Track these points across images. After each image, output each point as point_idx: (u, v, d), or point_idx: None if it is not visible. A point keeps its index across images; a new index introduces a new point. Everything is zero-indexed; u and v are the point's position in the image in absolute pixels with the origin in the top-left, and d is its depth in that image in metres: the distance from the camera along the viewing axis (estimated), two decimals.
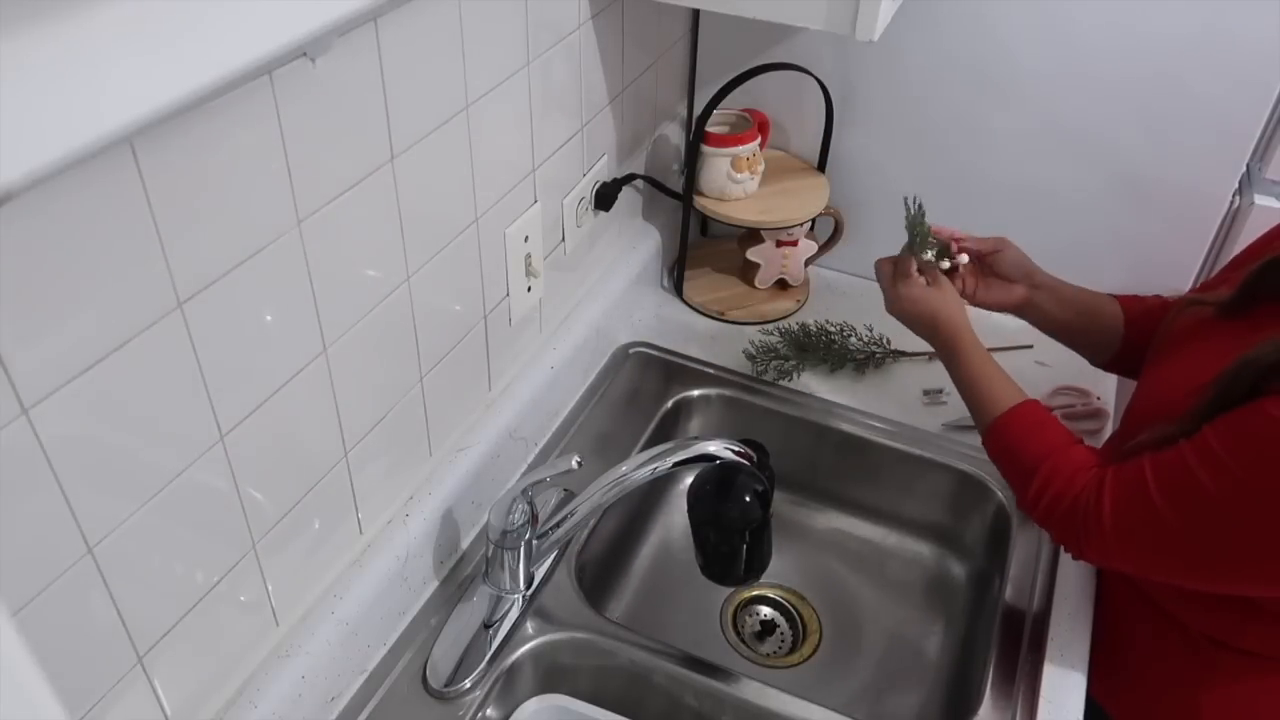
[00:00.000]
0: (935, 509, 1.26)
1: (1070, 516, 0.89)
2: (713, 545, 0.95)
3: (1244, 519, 0.77)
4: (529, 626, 0.99)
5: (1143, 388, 0.99)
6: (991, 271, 1.11)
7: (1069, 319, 1.10)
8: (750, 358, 1.33)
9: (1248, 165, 1.25)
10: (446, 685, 0.93)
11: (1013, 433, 0.95)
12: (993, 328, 1.39)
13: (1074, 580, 1.07)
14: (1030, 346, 1.35)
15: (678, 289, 1.45)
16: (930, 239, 1.07)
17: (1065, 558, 1.09)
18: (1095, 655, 1.01)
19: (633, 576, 1.25)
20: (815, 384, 1.30)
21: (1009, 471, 0.97)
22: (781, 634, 1.20)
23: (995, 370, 1.00)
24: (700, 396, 1.31)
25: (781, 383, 1.30)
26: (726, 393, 1.30)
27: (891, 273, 1.08)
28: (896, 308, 1.07)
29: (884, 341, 1.33)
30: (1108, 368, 1.13)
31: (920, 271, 1.07)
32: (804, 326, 1.36)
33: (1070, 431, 0.94)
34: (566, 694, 0.95)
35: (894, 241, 1.37)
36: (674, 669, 0.97)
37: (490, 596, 0.99)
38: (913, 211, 1.07)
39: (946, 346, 1.03)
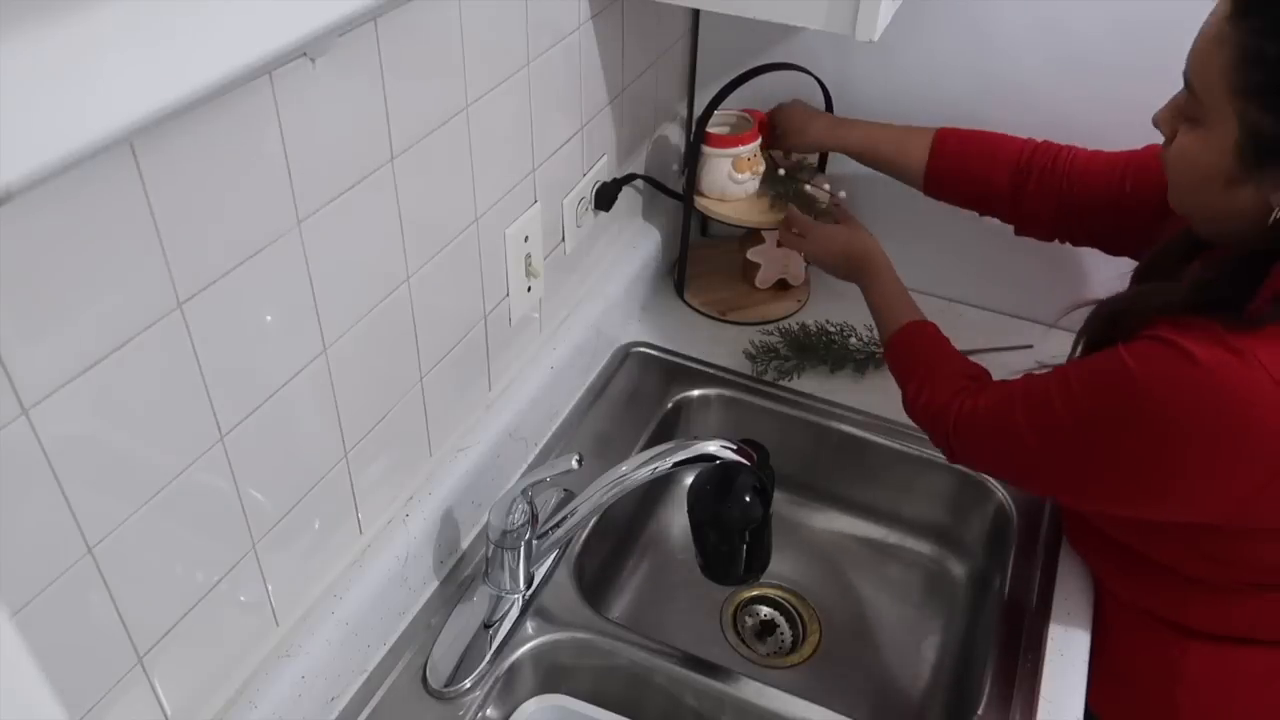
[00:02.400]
0: (935, 509, 1.26)
1: (943, 419, 0.96)
2: (713, 545, 0.95)
3: (1085, 447, 0.85)
4: (529, 626, 0.99)
5: None
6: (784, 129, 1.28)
7: (867, 161, 1.24)
8: (750, 358, 1.33)
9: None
10: (446, 685, 0.93)
11: (906, 341, 1.05)
12: (995, 329, 1.39)
13: (1074, 580, 1.07)
14: (1030, 346, 1.36)
15: (678, 289, 1.45)
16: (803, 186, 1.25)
17: (1065, 557, 1.09)
18: (1093, 661, 1.01)
19: (633, 576, 1.25)
20: (815, 384, 1.30)
21: (899, 373, 1.05)
22: (781, 634, 1.20)
23: (903, 293, 1.10)
24: (700, 396, 1.31)
25: (782, 383, 1.30)
26: (726, 393, 1.30)
27: (792, 225, 1.22)
28: (814, 249, 1.19)
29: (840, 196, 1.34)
30: (926, 192, 1.21)
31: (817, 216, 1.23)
32: (804, 327, 1.36)
33: (958, 352, 1.03)
34: (566, 694, 0.95)
35: (894, 241, 1.37)
36: (674, 669, 0.97)
37: (490, 596, 0.99)
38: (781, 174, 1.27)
39: (861, 271, 1.13)
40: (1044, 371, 0.91)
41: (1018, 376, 0.94)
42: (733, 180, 1.32)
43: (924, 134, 1.18)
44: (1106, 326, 0.88)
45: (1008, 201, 1.14)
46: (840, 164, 1.40)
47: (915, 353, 1.04)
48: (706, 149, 1.30)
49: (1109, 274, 1.32)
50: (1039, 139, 1.14)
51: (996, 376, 1.30)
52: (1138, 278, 0.98)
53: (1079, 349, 0.94)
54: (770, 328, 1.38)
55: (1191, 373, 0.76)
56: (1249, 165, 0.77)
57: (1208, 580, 0.92)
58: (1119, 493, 0.87)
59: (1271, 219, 0.77)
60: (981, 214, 1.19)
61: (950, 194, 1.19)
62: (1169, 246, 0.94)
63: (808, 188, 1.30)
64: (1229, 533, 0.86)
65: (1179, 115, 0.84)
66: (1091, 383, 0.84)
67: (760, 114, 1.36)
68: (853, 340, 1.34)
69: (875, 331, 1.33)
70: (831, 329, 1.35)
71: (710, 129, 1.30)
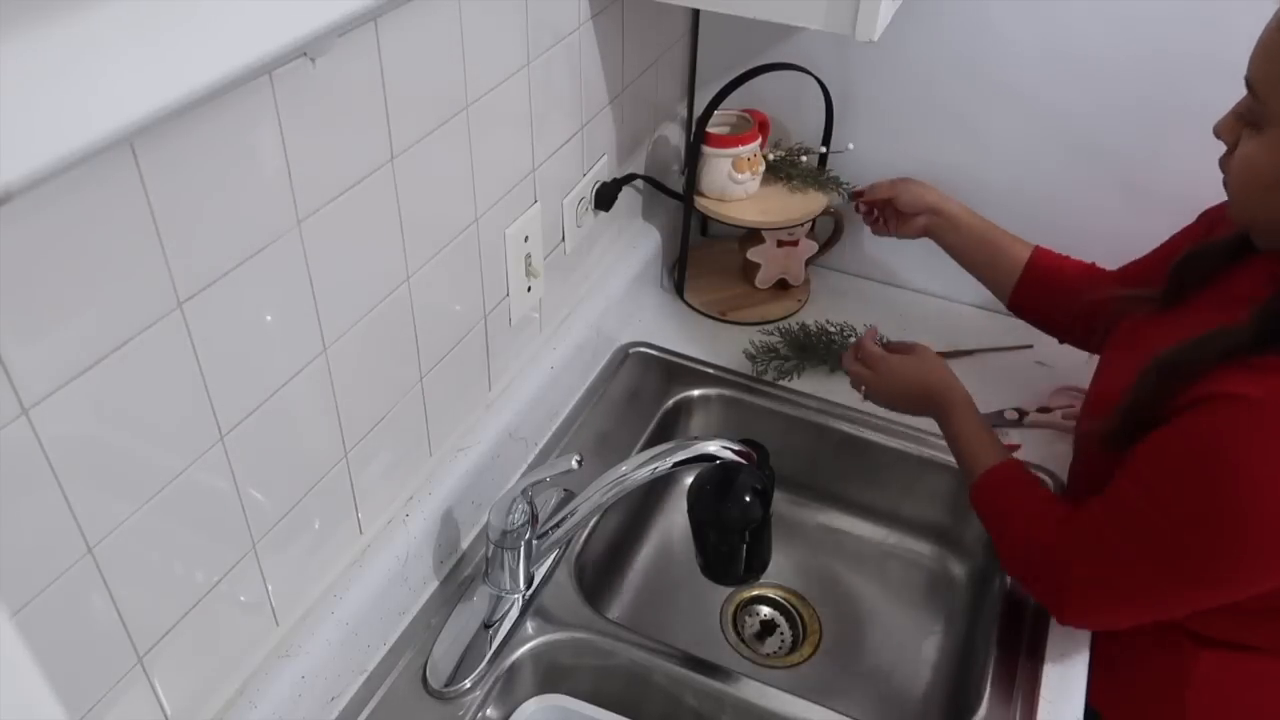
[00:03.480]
0: (935, 509, 1.26)
1: (1044, 575, 0.92)
2: (713, 545, 0.95)
3: (1172, 540, 0.80)
4: (529, 626, 0.99)
5: (1095, 383, 1.03)
6: (894, 209, 1.22)
7: (968, 249, 1.19)
8: (750, 358, 1.33)
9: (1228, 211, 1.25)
10: (446, 685, 0.93)
11: (995, 487, 0.98)
12: (995, 329, 1.39)
13: None
14: (1030, 346, 1.35)
15: (678, 289, 1.45)
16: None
17: None
18: (1094, 660, 1.01)
19: (633, 576, 1.25)
20: (815, 384, 1.30)
21: (990, 521, 0.99)
22: (781, 634, 1.20)
23: (982, 428, 1.03)
24: (700, 396, 1.31)
25: (782, 383, 1.30)
26: (726, 393, 1.30)
27: (859, 358, 1.14)
28: (882, 386, 1.11)
29: (883, 342, 1.33)
30: (1012, 307, 1.20)
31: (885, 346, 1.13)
32: (804, 327, 1.36)
33: (1049, 491, 0.96)
34: (566, 694, 0.95)
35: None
36: (674, 669, 0.97)
37: (490, 596, 0.99)
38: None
39: (939, 406, 1.05)
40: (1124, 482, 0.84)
41: (1080, 511, 0.88)
42: (733, 180, 1.32)
43: (1024, 246, 1.17)
44: (1166, 378, 0.82)
45: (1084, 331, 1.12)
46: (841, 164, 1.40)
47: (1001, 503, 0.97)
48: (706, 149, 1.31)
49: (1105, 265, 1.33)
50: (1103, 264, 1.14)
51: (996, 377, 1.31)
52: (1172, 285, 0.94)
53: (1128, 404, 0.85)
54: (770, 328, 1.38)
55: None
56: None
57: (1247, 608, 0.88)
58: (1199, 580, 0.81)
59: None
60: (1060, 341, 1.19)
61: (1032, 312, 1.18)
62: (1207, 250, 0.92)
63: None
64: None
65: (1240, 122, 0.82)
66: (1177, 468, 0.78)
67: (761, 114, 1.36)
68: (852, 339, 1.34)
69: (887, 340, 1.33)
70: (832, 329, 1.35)
71: (710, 129, 1.30)
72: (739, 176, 1.32)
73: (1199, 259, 0.92)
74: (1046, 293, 1.15)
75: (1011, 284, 1.17)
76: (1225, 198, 0.87)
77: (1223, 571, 0.80)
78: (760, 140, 1.33)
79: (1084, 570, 0.88)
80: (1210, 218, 1.02)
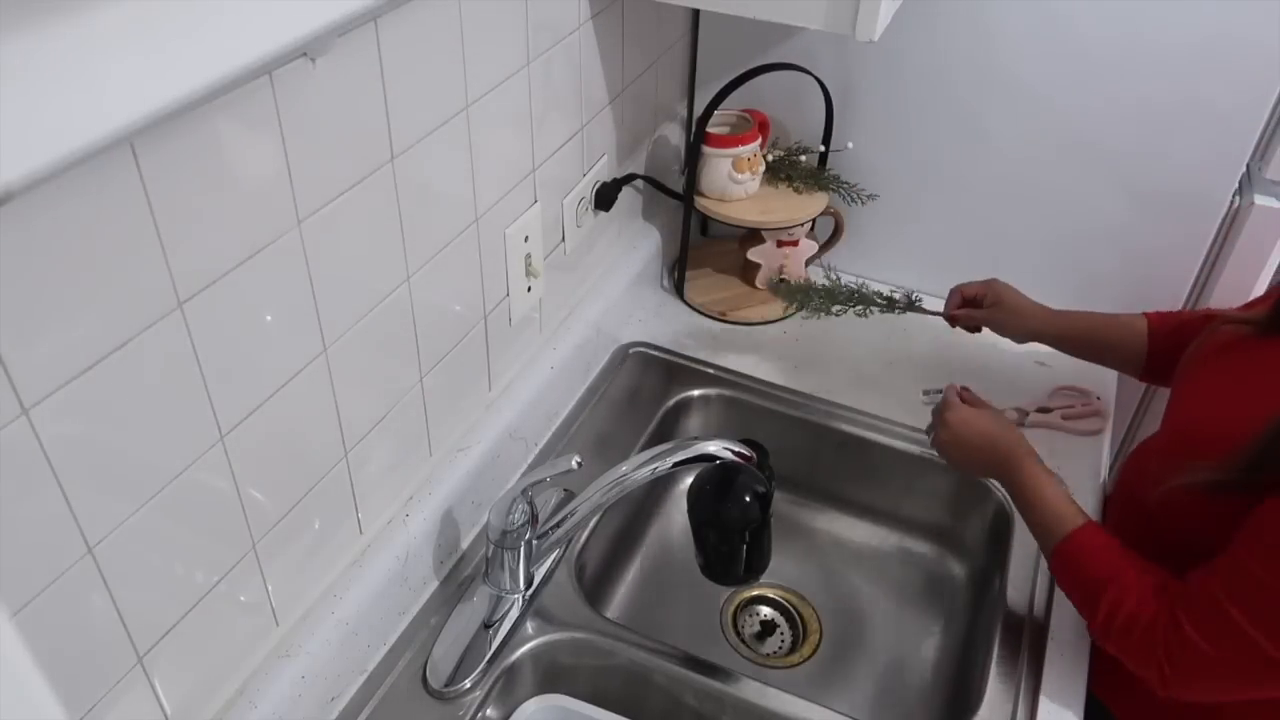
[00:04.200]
0: (935, 509, 1.26)
1: (1149, 648, 0.86)
2: (713, 545, 0.95)
3: None
4: (529, 626, 0.99)
5: (1179, 406, 0.99)
6: (997, 304, 1.19)
7: (1081, 349, 1.17)
8: (778, 292, 1.32)
9: (1248, 165, 1.25)
10: (446, 685, 0.93)
11: (1077, 553, 0.92)
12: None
13: None
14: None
15: (678, 289, 1.45)
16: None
17: None
18: (1096, 652, 1.01)
19: (633, 576, 1.25)
20: (815, 384, 1.30)
21: (1075, 596, 0.94)
22: (781, 634, 1.20)
23: (1057, 491, 0.97)
24: (700, 396, 1.31)
25: (781, 383, 1.30)
26: (726, 393, 1.30)
27: (943, 405, 1.08)
28: (954, 435, 1.05)
29: (910, 296, 1.31)
30: (1144, 380, 1.16)
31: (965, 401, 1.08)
32: (829, 277, 1.35)
33: (1132, 552, 0.91)
34: (566, 694, 0.95)
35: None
36: (674, 669, 0.97)
37: (490, 596, 0.99)
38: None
39: (1007, 464, 1.00)
40: (1239, 551, 0.81)
41: (1199, 576, 0.83)
42: (733, 180, 1.32)
43: (1136, 319, 1.13)
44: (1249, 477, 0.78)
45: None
46: (841, 164, 1.40)
47: (1091, 571, 0.91)
48: (706, 149, 1.31)
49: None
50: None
51: (995, 377, 1.30)
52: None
53: (1256, 453, 0.81)
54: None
55: None
56: None
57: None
58: None
59: None
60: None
61: (1165, 377, 1.10)
62: None
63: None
64: None
65: None
66: None
67: (761, 114, 1.36)
68: (879, 292, 1.31)
69: (898, 292, 1.30)
70: (855, 283, 1.33)
71: (710, 129, 1.30)
72: (739, 176, 1.32)
73: None
74: (1177, 354, 1.06)
75: (1141, 362, 1.12)
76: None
77: None
78: (760, 140, 1.33)
79: (1201, 647, 0.82)
80: None
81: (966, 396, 1.09)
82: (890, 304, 1.30)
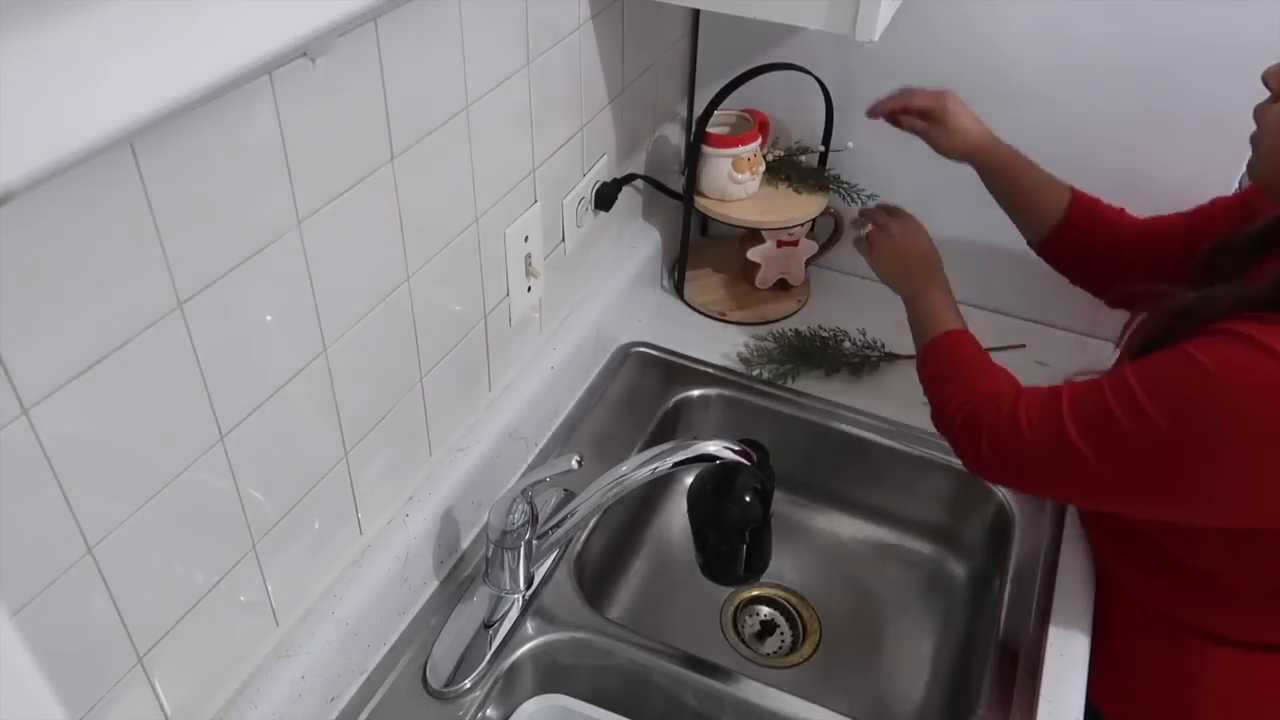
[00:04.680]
0: (935, 509, 1.26)
1: (976, 424, 0.91)
2: (713, 545, 0.95)
3: (1154, 456, 0.79)
4: (529, 626, 0.99)
5: None
6: (940, 123, 1.15)
7: (1002, 184, 1.14)
8: (745, 361, 1.32)
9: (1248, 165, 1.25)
10: (446, 685, 0.93)
11: (948, 348, 1.00)
12: (995, 329, 1.39)
13: (1074, 580, 1.07)
14: (1023, 346, 1.36)
15: (678, 289, 1.45)
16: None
17: (1066, 556, 1.09)
18: (1095, 657, 1.01)
19: (633, 576, 1.25)
20: (815, 385, 1.30)
21: (932, 379, 1.00)
22: (781, 634, 1.20)
23: (954, 310, 1.04)
24: (700, 396, 1.31)
25: (781, 383, 1.30)
26: (726, 393, 1.30)
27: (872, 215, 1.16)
28: (892, 244, 1.12)
29: (878, 345, 1.33)
30: (1040, 250, 1.15)
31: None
32: (798, 332, 1.36)
33: (998, 365, 0.97)
34: (566, 694, 0.95)
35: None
36: (674, 669, 0.97)
37: (490, 596, 0.99)
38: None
39: (925, 279, 1.07)
40: (1086, 378, 0.85)
41: (1051, 385, 0.88)
42: (733, 180, 1.32)
43: (1062, 188, 1.13)
44: (1172, 325, 0.82)
45: (1104, 281, 1.11)
46: (841, 164, 1.40)
47: (953, 359, 0.98)
48: (706, 149, 1.31)
49: None
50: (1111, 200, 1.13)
51: None
52: (1200, 272, 0.93)
53: (1127, 350, 0.88)
54: (764, 332, 1.37)
55: (1276, 372, 0.72)
56: None
57: (1246, 588, 0.89)
58: (1178, 498, 0.81)
59: None
60: (1074, 282, 1.16)
61: (1064, 257, 1.14)
62: (1239, 241, 0.90)
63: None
64: (1269, 535, 0.83)
65: None
66: (1158, 383, 0.78)
67: (761, 114, 1.36)
68: (846, 344, 1.33)
69: (868, 335, 1.33)
70: (825, 333, 1.35)
71: (710, 129, 1.30)
72: (739, 177, 1.32)
73: (1228, 250, 0.90)
74: (1079, 241, 1.11)
75: (1046, 228, 1.12)
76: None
77: (1174, 485, 0.80)
78: (760, 140, 1.33)
79: (1025, 434, 0.86)
80: (1249, 201, 0.99)
81: (897, 213, 1.16)
82: (863, 361, 1.31)
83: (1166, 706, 0.98)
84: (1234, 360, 0.74)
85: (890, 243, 1.12)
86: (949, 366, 0.98)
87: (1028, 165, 1.13)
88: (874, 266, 1.14)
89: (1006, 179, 1.13)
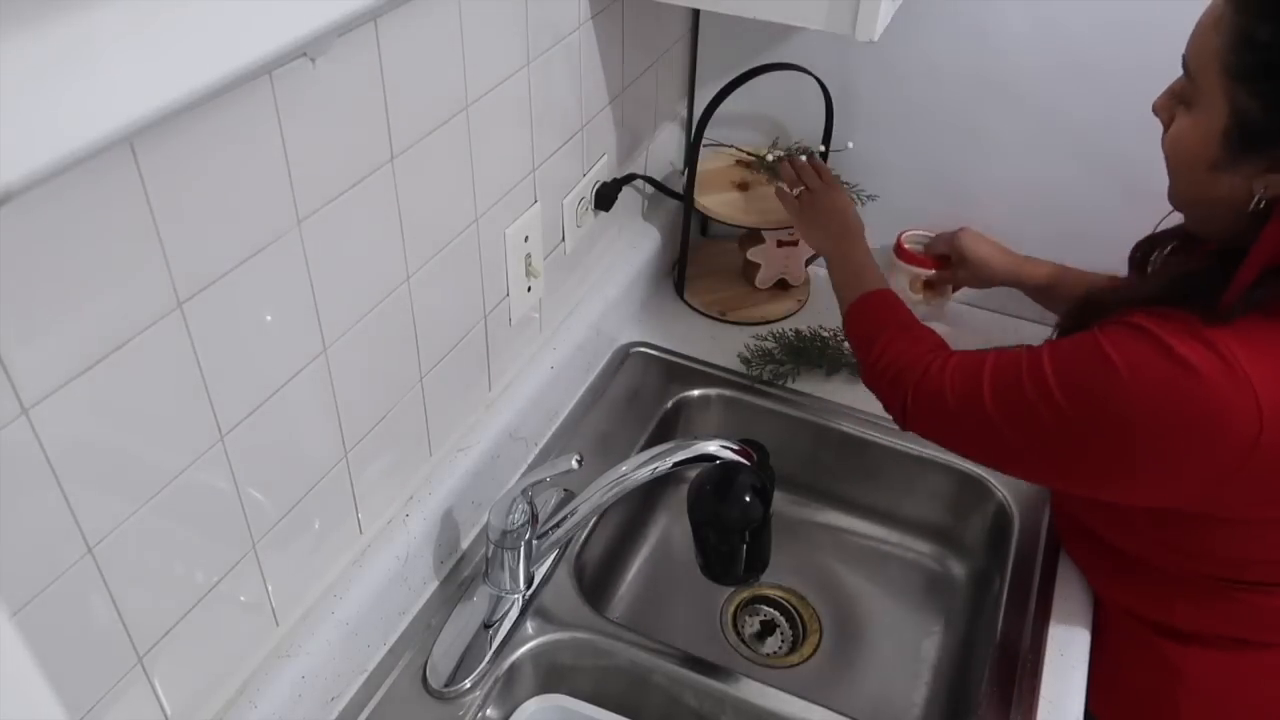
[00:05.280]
0: (935, 509, 1.26)
1: (903, 383, 0.95)
2: (713, 545, 0.95)
3: (1052, 430, 0.84)
4: (529, 626, 0.99)
5: None
6: (961, 264, 1.24)
7: (1043, 300, 1.19)
8: (745, 361, 1.33)
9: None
10: (446, 685, 0.93)
11: (874, 306, 1.05)
12: (995, 328, 1.39)
13: (1074, 580, 1.07)
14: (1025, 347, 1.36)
15: (678, 289, 1.45)
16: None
17: (1066, 557, 1.09)
18: (1094, 662, 1.01)
19: (633, 576, 1.25)
20: (815, 385, 1.30)
21: (859, 338, 1.04)
22: (781, 634, 1.20)
23: (876, 269, 1.10)
24: (700, 396, 1.31)
25: (781, 383, 1.30)
26: (726, 393, 1.30)
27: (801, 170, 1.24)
28: (818, 203, 1.19)
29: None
30: None
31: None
32: (798, 332, 1.36)
33: (919, 322, 1.02)
34: (566, 694, 0.95)
35: (892, 240, 1.36)
36: (674, 669, 0.97)
37: (490, 596, 0.99)
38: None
39: (847, 238, 1.15)
40: (1014, 348, 0.89)
41: (985, 350, 0.93)
42: (908, 296, 1.34)
43: (1096, 277, 1.13)
44: (1087, 314, 0.88)
45: None
46: (841, 164, 1.40)
47: (880, 317, 1.03)
48: (898, 261, 1.35)
49: (1114, 269, 1.33)
50: None
51: None
52: (1133, 265, 0.99)
53: (1054, 335, 0.93)
54: (764, 332, 1.37)
55: (1172, 371, 0.76)
56: (1234, 151, 0.77)
57: (1178, 574, 0.92)
58: (1076, 474, 0.87)
59: (1251, 207, 0.78)
60: None
61: None
62: (1156, 237, 0.96)
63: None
64: (1188, 520, 0.86)
65: (1176, 100, 0.84)
66: (1066, 367, 0.83)
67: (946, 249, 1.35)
68: (847, 344, 1.33)
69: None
70: (825, 333, 1.35)
71: (906, 245, 1.35)
72: (914, 297, 1.36)
73: (1149, 244, 0.96)
74: None
75: None
76: None
77: (1075, 462, 0.85)
78: (938, 271, 1.33)
79: (947, 397, 0.91)
80: None
81: (825, 175, 1.24)
82: None
83: (1152, 706, 0.99)
84: (1138, 357, 0.78)
85: (814, 202, 1.20)
86: (876, 325, 1.02)
87: (1064, 277, 1.15)
88: (797, 224, 1.23)
89: (1045, 299, 1.18)
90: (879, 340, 1.00)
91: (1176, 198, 0.87)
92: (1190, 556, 0.90)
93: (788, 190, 1.25)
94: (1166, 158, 0.86)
